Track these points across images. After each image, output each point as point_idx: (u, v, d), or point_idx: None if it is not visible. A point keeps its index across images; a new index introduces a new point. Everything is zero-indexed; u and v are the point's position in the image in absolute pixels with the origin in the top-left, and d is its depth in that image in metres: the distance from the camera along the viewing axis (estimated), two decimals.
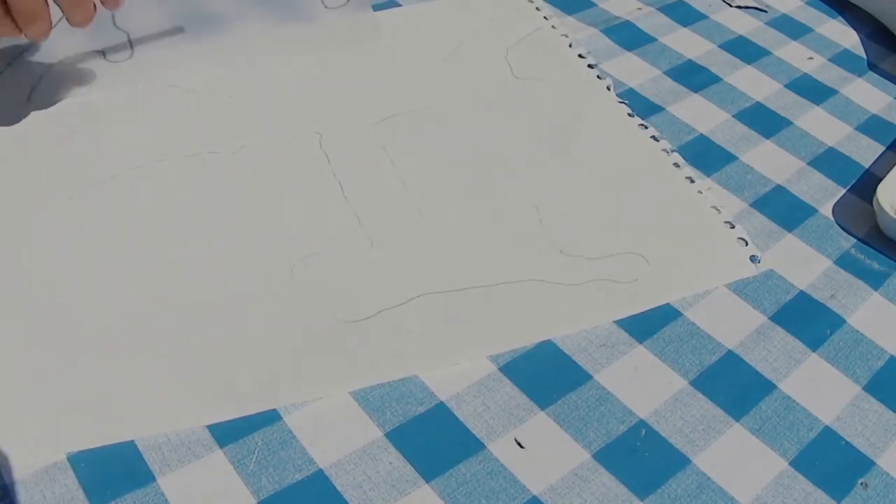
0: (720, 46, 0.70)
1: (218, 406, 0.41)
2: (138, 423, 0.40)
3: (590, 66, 0.64)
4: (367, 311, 0.45)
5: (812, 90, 0.66)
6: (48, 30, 0.49)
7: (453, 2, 0.69)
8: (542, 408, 0.43)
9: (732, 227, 0.52)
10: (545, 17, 0.69)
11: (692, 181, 0.55)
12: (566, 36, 0.67)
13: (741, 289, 0.50)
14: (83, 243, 0.47)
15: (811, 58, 0.70)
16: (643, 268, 0.49)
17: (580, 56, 0.65)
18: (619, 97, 0.62)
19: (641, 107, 0.62)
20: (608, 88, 0.62)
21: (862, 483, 0.40)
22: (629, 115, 0.60)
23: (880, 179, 0.55)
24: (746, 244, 0.51)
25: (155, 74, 0.58)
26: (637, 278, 0.48)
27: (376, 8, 0.67)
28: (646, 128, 0.59)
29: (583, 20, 0.70)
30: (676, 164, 0.57)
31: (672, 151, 0.57)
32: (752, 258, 0.50)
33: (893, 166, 0.56)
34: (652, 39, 0.70)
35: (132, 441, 0.39)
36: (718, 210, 0.53)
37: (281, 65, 0.61)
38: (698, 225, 0.52)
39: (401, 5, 0.69)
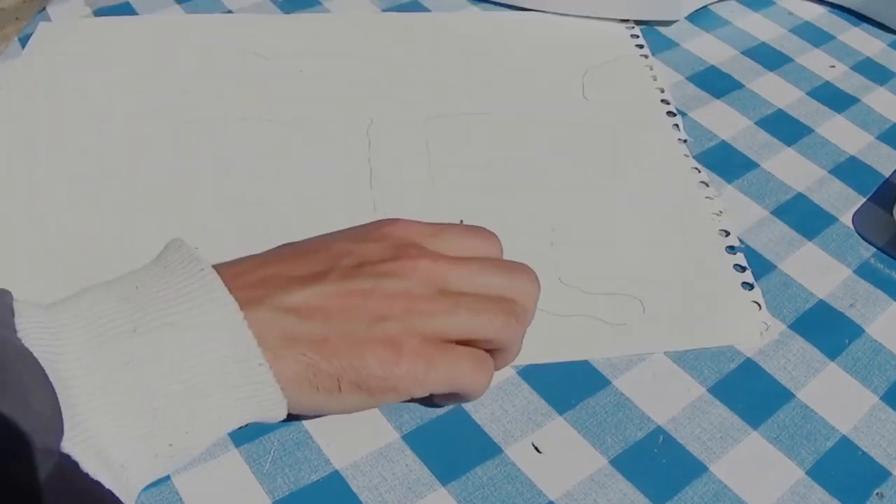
0: (743, 53, 0.70)
1: None
2: None
3: (664, 100, 0.63)
4: None
5: (834, 98, 0.66)
6: None
7: (549, 17, 0.71)
8: (561, 413, 0.43)
9: (751, 287, 0.50)
10: (638, 46, 0.69)
11: (725, 234, 0.53)
12: (651, 68, 0.66)
13: (760, 296, 0.50)
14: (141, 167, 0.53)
15: (833, 66, 0.70)
16: (637, 313, 0.47)
17: (660, 90, 0.64)
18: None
19: None
20: (676, 127, 0.61)
21: (878, 493, 0.40)
22: (685, 155, 0.59)
23: None
24: (760, 308, 0.49)
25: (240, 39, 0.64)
26: (626, 323, 0.47)
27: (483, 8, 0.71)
28: (706, 185, 0.56)
29: None
30: (716, 214, 0.54)
31: (718, 214, 0.54)
32: (762, 324, 0.48)
33: None
34: (675, 44, 0.70)
35: None
36: (740, 268, 0.51)
37: (356, 49, 0.64)
38: (713, 283, 0.50)
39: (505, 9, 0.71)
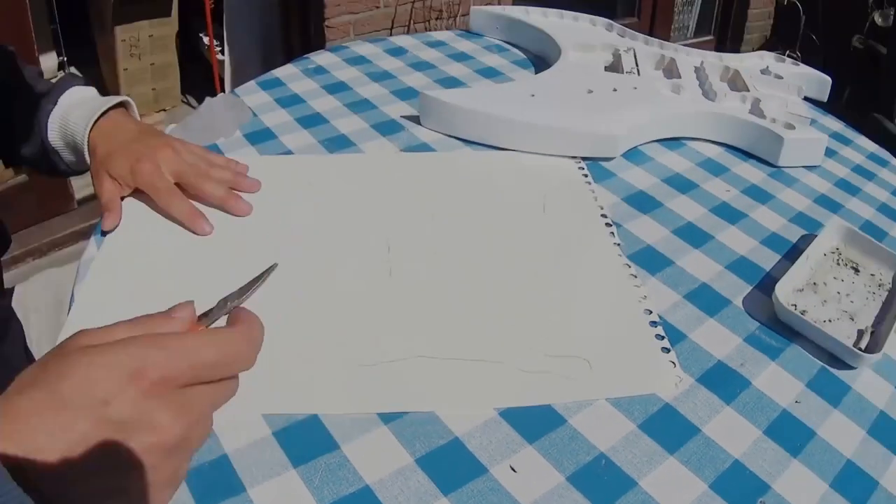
0: (662, 181, 0.73)
1: (275, 401, 0.45)
2: None
3: (603, 215, 0.65)
4: (373, 360, 0.48)
5: (729, 214, 0.69)
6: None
7: (520, 154, 0.73)
8: (530, 442, 0.45)
9: (668, 351, 0.51)
10: (584, 175, 0.71)
11: (649, 312, 0.54)
12: (593, 191, 0.68)
13: (675, 357, 0.52)
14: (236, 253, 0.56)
15: (728, 190, 0.73)
16: (585, 371, 0.49)
17: (600, 207, 0.66)
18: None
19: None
20: (612, 234, 0.62)
21: (761, 502, 0.43)
22: (618, 255, 0.60)
23: (777, 280, 0.57)
24: (675, 366, 0.50)
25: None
26: (577, 378, 0.48)
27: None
28: (635, 276, 0.58)
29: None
30: (642, 298, 0.56)
31: (643, 299, 0.56)
32: (676, 379, 0.49)
33: (787, 271, 0.59)
34: (613, 174, 0.73)
35: (227, 456, 0.42)
36: (661, 336, 0.53)
37: (381, 180, 0.67)
38: (639, 347, 0.52)
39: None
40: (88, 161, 0.61)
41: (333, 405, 0.45)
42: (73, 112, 0.62)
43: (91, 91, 0.65)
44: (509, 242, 0.60)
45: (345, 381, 0.47)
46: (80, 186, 1.95)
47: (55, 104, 0.63)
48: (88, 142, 0.61)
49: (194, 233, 0.58)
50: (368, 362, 0.48)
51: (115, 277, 0.54)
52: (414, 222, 0.61)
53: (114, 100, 0.63)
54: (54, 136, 0.62)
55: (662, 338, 0.52)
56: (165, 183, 0.58)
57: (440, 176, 0.68)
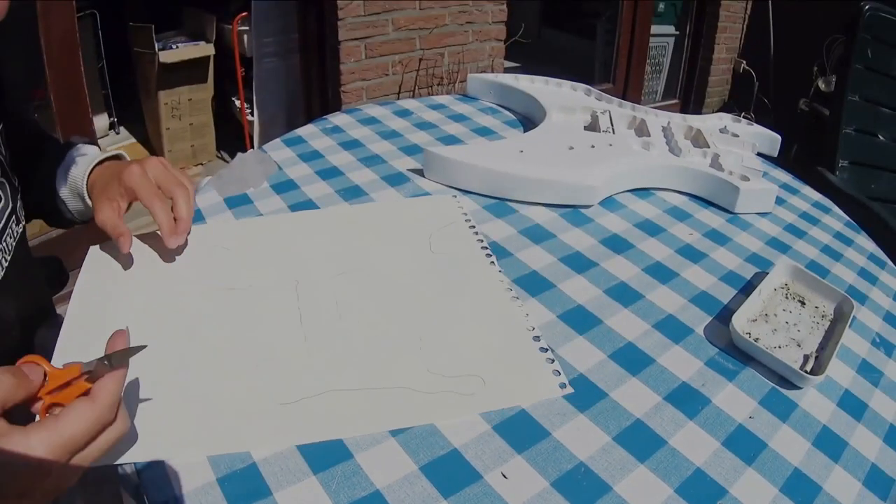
0: (634, 225, 0.73)
1: (213, 443, 0.44)
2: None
3: (483, 247, 0.65)
4: (293, 398, 0.47)
5: (692, 254, 0.69)
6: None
7: (406, 201, 0.72)
8: (519, 452, 0.45)
9: (552, 361, 0.52)
10: (464, 214, 0.70)
11: (532, 328, 0.55)
12: (474, 227, 0.68)
13: (645, 378, 0.52)
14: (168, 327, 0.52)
15: (692, 233, 0.73)
16: (480, 386, 0.49)
17: (480, 240, 0.66)
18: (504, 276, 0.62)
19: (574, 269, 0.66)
20: (493, 263, 0.62)
21: (719, 503, 0.43)
22: (500, 281, 0.60)
23: (734, 311, 0.58)
24: (559, 374, 0.51)
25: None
26: (474, 393, 0.48)
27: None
28: (517, 298, 0.58)
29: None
30: (525, 317, 0.56)
31: (526, 317, 0.56)
32: (561, 385, 0.50)
33: (742, 304, 0.59)
34: (591, 220, 0.73)
35: (255, 465, 0.42)
36: (544, 349, 0.53)
37: (289, 237, 0.65)
38: (526, 360, 0.52)
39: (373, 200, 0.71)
40: (90, 204, 0.61)
41: (262, 443, 0.44)
42: (77, 162, 0.63)
43: (93, 148, 0.66)
44: (404, 281, 0.59)
45: (271, 419, 0.46)
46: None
47: (63, 159, 0.63)
48: (87, 185, 0.61)
49: (165, 243, 0.57)
50: (290, 400, 0.47)
51: (84, 325, 0.52)
52: (320, 275, 0.59)
53: (111, 153, 0.64)
54: (61, 186, 0.63)
55: (546, 350, 0.53)
56: (150, 184, 0.57)
57: (343, 230, 0.67)
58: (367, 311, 0.56)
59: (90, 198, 0.61)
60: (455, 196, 0.73)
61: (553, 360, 0.52)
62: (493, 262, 0.63)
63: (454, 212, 0.71)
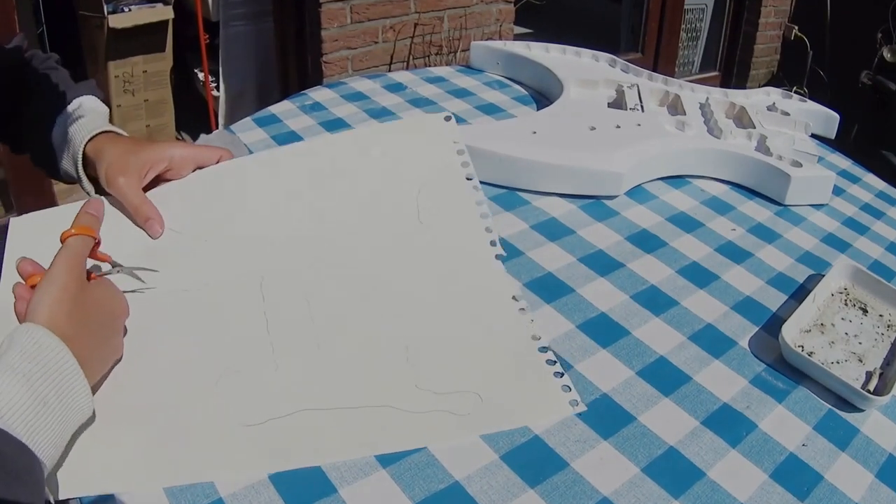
0: (667, 219, 0.74)
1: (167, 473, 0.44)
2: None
3: (483, 214, 0.63)
4: (259, 419, 0.47)
5: (734, 253, 0.70)
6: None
7: (387, 126, 0.70)
8: (532, 486, 0.45)
9: (561, 375, 0.52)
10: (458, 149, 0.67)
11: (537, 338, 0.55)
12: (470, 179, 0.65)
13: (679, 399, 0.52)
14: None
15: (734, 229, 0.74)
16: (477, 405, 0.49)
17: (478, 203, 0.63)
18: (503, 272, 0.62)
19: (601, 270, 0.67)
20: (492, 244, 0.61)
21: None
22: (503, 273, 0.59)
23: (784, 321, 0.58)
24: (570, 389, 0.51)
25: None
26: (470, 413, 0.48)
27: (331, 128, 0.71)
28: (516, 300, 0.58)
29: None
30: (529, 323, 0.56)
31: (531, 323, 0.55)
32: (573, 402, 0.50)
33: (793, 311, 0.60)
34: (616, 213, 0.74)
35: (222, 500, 0.43)
36: (552, 361, 0.53)
37: (247, 212, 0.63)
38: (530, 374, 0.52)
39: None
40: (80, 172, 0.63)
41: (226, 472, 0.44)
42: (79, 120, 0.64)
43: (103, 108, 0.68)
44: (388, 272, 0.58)
45: (236, 444, 0.46)
46: None
47: (66, 105, 0.65)
48: (85, 153, 0.63)
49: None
50: (256, 421, 0.47)
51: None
52: (288, 265, 0.58)
53: (116, 128, 0.66)
54: (57, 135, 0.64)
55: (554, 363, 0.53)
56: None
57: (313, 188, 0.65)
58: (344, 313, 0.55)
59: (98, 165, 0.62)
60: (448, 117, 0.70)
61: (562, 374, 0.52)
62: (493, 241, 0.62)
63: (446, 147, 0.68)
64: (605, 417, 0.51)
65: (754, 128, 0.85)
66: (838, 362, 0.57)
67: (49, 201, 1.90)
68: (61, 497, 0.42)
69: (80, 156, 0.63)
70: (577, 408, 0.50)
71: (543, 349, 0.54)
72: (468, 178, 0.66)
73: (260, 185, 0.65)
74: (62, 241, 0.48)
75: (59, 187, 2.10)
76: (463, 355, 0.53)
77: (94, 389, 0.46)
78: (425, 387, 0.50)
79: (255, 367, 0.51)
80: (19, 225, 0.61)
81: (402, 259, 0.60)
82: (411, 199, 0.64)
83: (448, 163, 0.67)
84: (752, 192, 0.81)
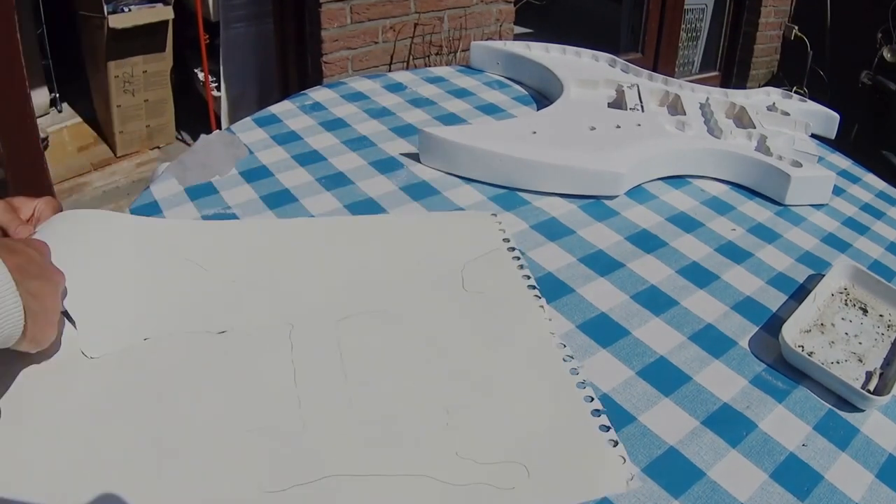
0: (667, 220, 0.74)
1: None
2: None
3: (531, 286, 0.60)
4: (282, 485, 0.43)
5: (734, 253, 0.70)
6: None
7: (432, 216, 0.69)
8: None
9: (616, 444, 0.48)
10: (505, 240, 0.66)
11: (590, 399, 0.51)
12: (518, 258, 0.64)
13: (679, 399, 0.52)
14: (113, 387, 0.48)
15: (734, 229, 0.74)
16: (523, 478, 0.44)
17: (526, 276, 0.62)
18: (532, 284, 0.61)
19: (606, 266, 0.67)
20: (541, 308, 0.59)
21: None
22: (551, 333, 0.56)
23: (784, 321, 0.58)
24: (625, 461, 0.46)
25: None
26: (515, 486, 0.44)
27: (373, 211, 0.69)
28: (564, 346, 0.55)
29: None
30: (581, 384, 0.52)
31: (583, 384, 0.52)
32: (628, 478, 0.46)
33: (793, 311, 0.60)
34: (616, 213, 0.74)
35: None
36: (605, 428, 0.49)
37: (281, 261, 0.60)
38: (582, 444, 0.47)
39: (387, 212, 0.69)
40: None
41: None
42: None
43: None
44: (428, 331, 0.55)
45: None
46: None
47: None
48: None
49: None
50: (279, 487, 0.43)
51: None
52: (320, 317, 0.55)
53: None
54: None
55: (608, 429, 0.49)
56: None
57: (349, 252, 0.63)
58: (379, 370, 0.51)
59: None
60: (495, 215, 0.70)
61: (617, 443, 0.48)
62: (541, 306, 0.59)
63: (493, 235, 0.66)
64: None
65: (754, 128, 0.85)
66: (838, 362, 0.57)
67: None
68: None
69: None
70: (631, 484, 0.45)
71: (597, 412, 0.50)
72: (515, 259, 0.64)
73: (291, 238, 0.64)
74: None
75: (59, 188, 2.10)
76: (508, 421, 0.48)
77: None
78: (466, 455, 0.46)
79: (279, 424, 0.46)
80: None
81: (443, 320, 0.56)
82: (456, 269, 0.62)
83: (495, 247, 0.66)
84: (752, 192, 0.81)
